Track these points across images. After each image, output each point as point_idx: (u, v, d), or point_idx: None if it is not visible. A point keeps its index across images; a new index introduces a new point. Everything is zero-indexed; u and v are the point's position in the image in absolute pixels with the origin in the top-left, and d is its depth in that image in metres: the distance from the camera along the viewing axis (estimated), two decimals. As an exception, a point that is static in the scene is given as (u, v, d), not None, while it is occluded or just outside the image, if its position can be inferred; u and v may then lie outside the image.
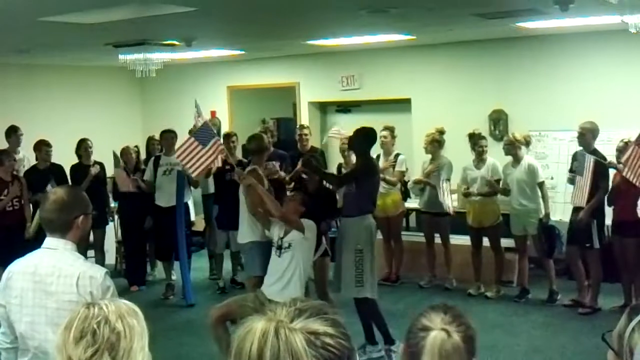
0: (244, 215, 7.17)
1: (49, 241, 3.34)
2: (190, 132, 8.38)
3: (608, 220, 8.09)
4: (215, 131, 8.04)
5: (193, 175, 8.05)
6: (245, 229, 7.21)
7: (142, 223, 9.46)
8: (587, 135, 7.86)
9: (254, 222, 7.00)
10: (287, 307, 1.46)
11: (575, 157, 8.03)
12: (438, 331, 2.14)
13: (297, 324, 1.41)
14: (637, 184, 7.10)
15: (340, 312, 1.50)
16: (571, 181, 8.07)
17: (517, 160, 8.44)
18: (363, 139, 7.07)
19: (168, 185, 8.92)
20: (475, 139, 8.78)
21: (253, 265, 7.16)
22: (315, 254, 7.09)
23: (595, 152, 7.85)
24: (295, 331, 1.39)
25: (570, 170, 8.15)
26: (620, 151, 7.66)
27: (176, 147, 8.31)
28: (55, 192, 3.41)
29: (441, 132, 9.11)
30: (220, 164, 8.26)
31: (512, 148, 8.43)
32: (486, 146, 8.78)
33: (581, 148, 7.96)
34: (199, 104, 8.08)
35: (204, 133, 7.53)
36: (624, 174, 7.17)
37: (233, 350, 1.43)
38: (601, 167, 7.64)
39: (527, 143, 8.51)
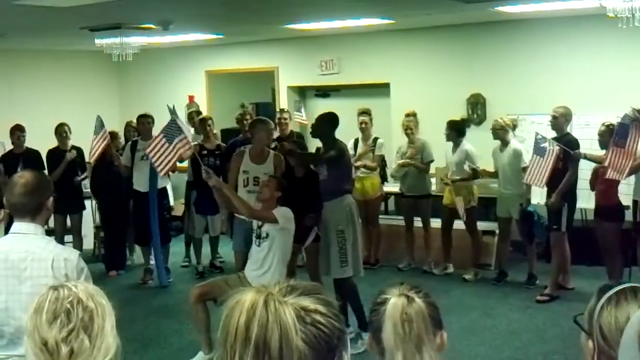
0: None
1: (19, 226, 3.32)
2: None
3: (587, 204, 8.16)
4: (185, 129, 7.82)
5: (161, 173, 7.94)
6: None
7: (121, 208, 9.41)
8: (559, 119, 7.88)
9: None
10: (279, 284, 1.44)
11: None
12: (397, 297, 2.13)
13: (289, 299, 1.38)
14: (621, 179, 7.15)
15: (332, 296, 1.49)
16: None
17: (504, 144, 8.47)
18: (326, 124, 7.11)
19: (146, 170, 8.86)
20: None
21: (235, 240, 7.73)
22: (307, 240, 7.10)
23: (567, 135, 7.90)
24: (286, 304, 1.36)
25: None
26: (602, 135, 7.71)
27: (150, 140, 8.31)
28: (22, 176, 3.38)
29: (414, 114, 9.22)
30: (189, 156, 8.08)
31: (502, 132, 8.44)
32: (448, 134, 8.84)
33: (554, 132, 7.99)
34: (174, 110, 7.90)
35: (171, 129, 7.44)
36: (607, 176, 7.21)
37: (222, 321, 1.40)
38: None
39: (514, 127, 8.56)
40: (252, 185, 7.44)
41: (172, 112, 7.52)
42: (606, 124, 7.74)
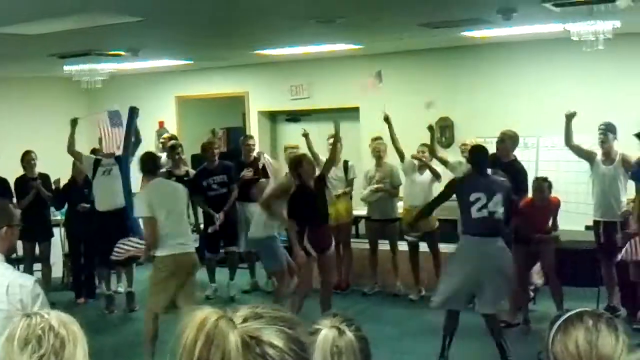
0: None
1: None
2: None
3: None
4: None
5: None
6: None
7: (90, 235, 9.32)
8: (507, 142, 7.86)
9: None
10: (248, 308, 1.42)
11: None
12: (328, 329, 2.12)
13: (243, 324, 1.37)
14: None
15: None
16: None
17: None
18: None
19: (107, 185, 8.71)
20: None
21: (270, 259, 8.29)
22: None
23: (515, 162, 7.83)
24: (234, 329, 1.35)
25: None
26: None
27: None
28: None
29: (382, 138, 9.35)
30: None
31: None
32: (422, 151, 8.90)
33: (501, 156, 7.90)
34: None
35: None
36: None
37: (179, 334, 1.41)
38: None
39: None
40: None
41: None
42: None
